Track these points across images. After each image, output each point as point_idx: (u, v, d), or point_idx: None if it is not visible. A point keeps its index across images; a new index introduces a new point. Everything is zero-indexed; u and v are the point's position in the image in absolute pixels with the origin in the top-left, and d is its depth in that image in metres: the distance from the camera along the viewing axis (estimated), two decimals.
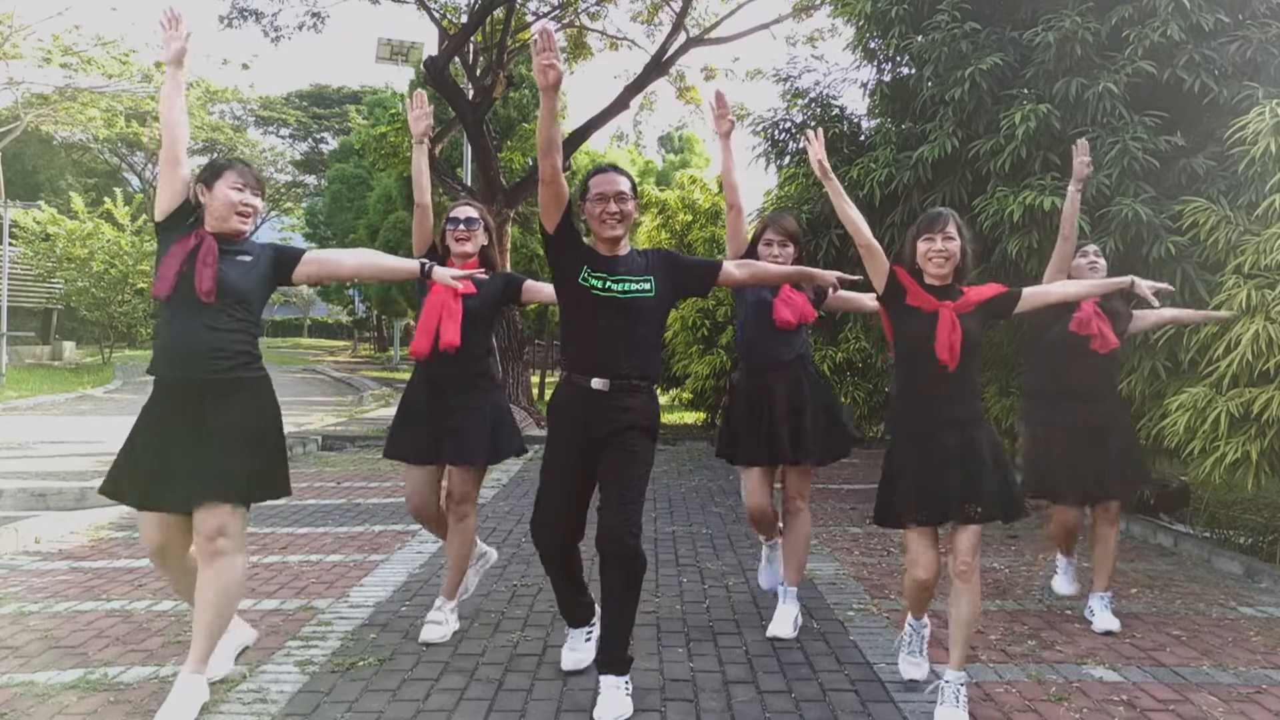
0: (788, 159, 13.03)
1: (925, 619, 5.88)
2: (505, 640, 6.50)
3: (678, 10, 21.55)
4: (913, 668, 5.85)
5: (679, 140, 57.51)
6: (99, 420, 21.03)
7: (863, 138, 12.65)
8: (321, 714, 5.24)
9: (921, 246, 5.71)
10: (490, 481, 13.07)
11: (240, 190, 5.56)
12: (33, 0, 49.50)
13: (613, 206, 5.60)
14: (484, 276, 6.44)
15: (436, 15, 21.43)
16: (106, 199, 42.24)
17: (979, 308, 5.64)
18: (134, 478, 5.39)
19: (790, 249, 7.09)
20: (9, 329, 34.24)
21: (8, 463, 14.00)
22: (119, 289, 39.53)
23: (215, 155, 61.72)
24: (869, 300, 6.83)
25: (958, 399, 5.50)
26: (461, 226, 6.61)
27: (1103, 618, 6.99)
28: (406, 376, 35.95)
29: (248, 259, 5.53)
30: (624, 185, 5.69)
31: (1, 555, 8.60)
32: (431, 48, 22.03)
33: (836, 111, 12.85)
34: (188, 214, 5.60)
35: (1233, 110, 9.04)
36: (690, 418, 22.46)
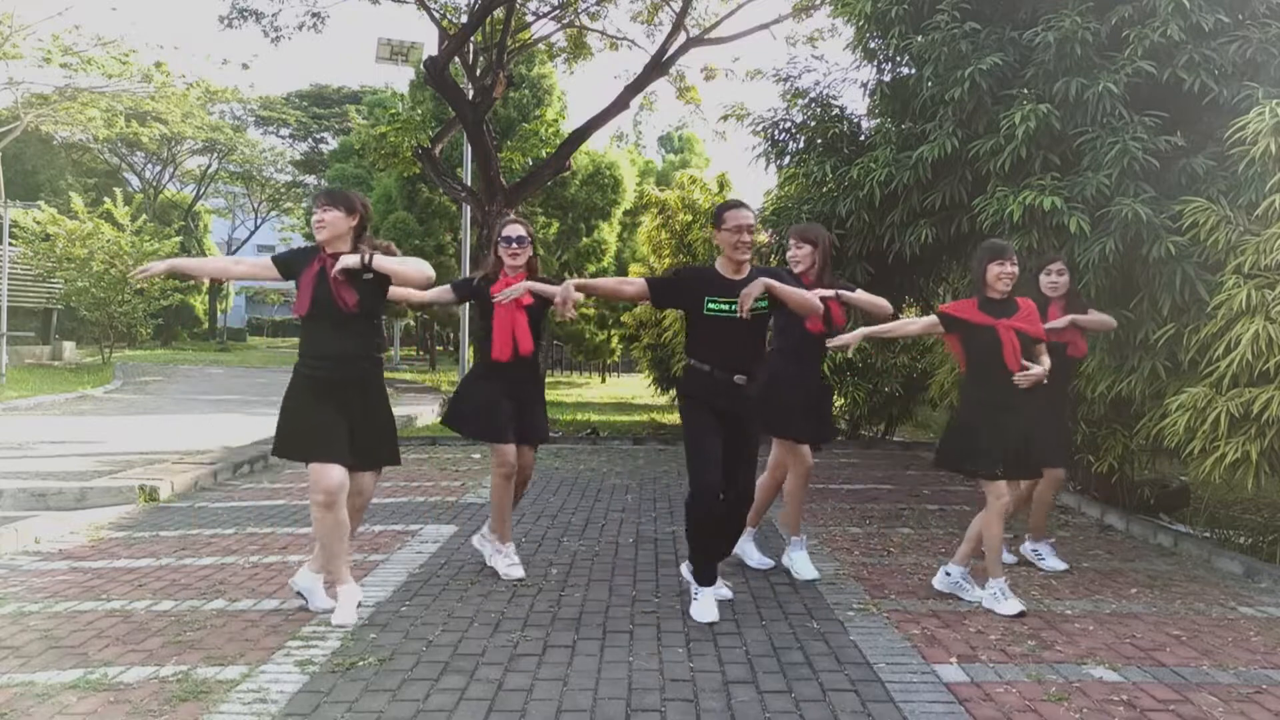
0: (787, 159, 13.04)
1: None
2: (505, 640, 6.49)
3: (678, 10, 21.53)
4: (1016, 602, 7.32)
5: (679, 140, 57.46)
6: (99, 420, 21.04)
7: (863, 138, 12.67)
8: (321, 714, 5.24)
9: (994, 269, 7.41)
10: (489, 481, 13.07)
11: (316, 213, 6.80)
12: (33, 0, 49.41)
13: (745, 237, 7.01)
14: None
15: (436, 15, 21.43)
16: (106, 199, 42.29)
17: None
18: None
19: (806, 249, 8.22)
20: (9, 329, 34.22)
21: (8, 463, 14.00)
22: (119, 289, 39.53)
23: (216, 154, 61.89)
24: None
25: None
26: (514, 245, 8.03)
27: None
28: (407, 376, 35.91)
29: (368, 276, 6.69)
30: (753, 219, 7.15)
31: (1, 555, 8.60)
32: (431, 48, 22.00)
33: (836, 111, 12.86)
34: (290, 267, 6.88)
35: (1232, 110, 9.05)
36: None
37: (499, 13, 20.67)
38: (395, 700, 5.45)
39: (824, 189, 12.08)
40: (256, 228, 73.35)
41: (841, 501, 11.91)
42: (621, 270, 34.15)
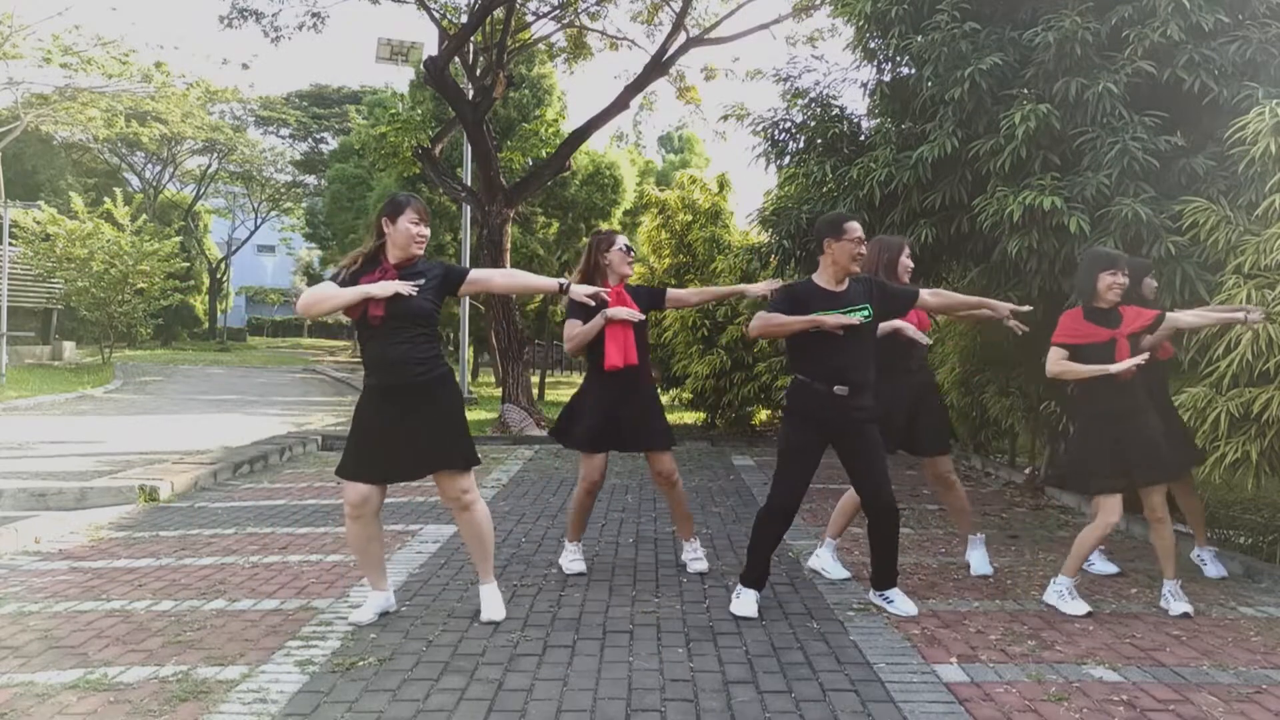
0: (788, 159, 13.04)
1: None
2: (505, 640, 6.50)
3: (678, 10, 21.56)
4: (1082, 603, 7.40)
5: (679, 140, 57.47)
6: (99, 420, 21.06)
7: (863, 137, 12.66)
8: (321, 714, 5.24)
9: (1105, 279, 7.26)
10: (490, 482, 13.09)
11: (417, 224, 6.85)
12: (33, 0, 49.41)
13: (863, 249, 7.06)
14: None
15: (436, 15, 21.45)
16: (106, 199, 42.35)
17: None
18: None
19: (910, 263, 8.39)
20: (9, 329, 34.23)
21: (8, 463, 14.01)
22: (119, 289, 39.59)
23: (216, 154, 61.83)
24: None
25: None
26: (632, 253, 8.25)
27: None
28: None
29: (422, 280, 6.81)
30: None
31: (1, 555, 8.61)
32: (431, 48, 22.05)
33: (836, 111, 12.85)
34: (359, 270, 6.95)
35: (1233, 110, 9.04)
36: (690, 418, 22.43)
37: (499, 13, 20.69)
38: (395, 700, 5.45)
39: (824, 189, 12.09)
40: (256, 228, 73.30)
41: None
42: None
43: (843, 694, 5.65)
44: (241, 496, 11.84)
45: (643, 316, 8.06)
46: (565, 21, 23.38)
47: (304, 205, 68.47)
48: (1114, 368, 7.05)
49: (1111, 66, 9.78)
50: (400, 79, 55.46)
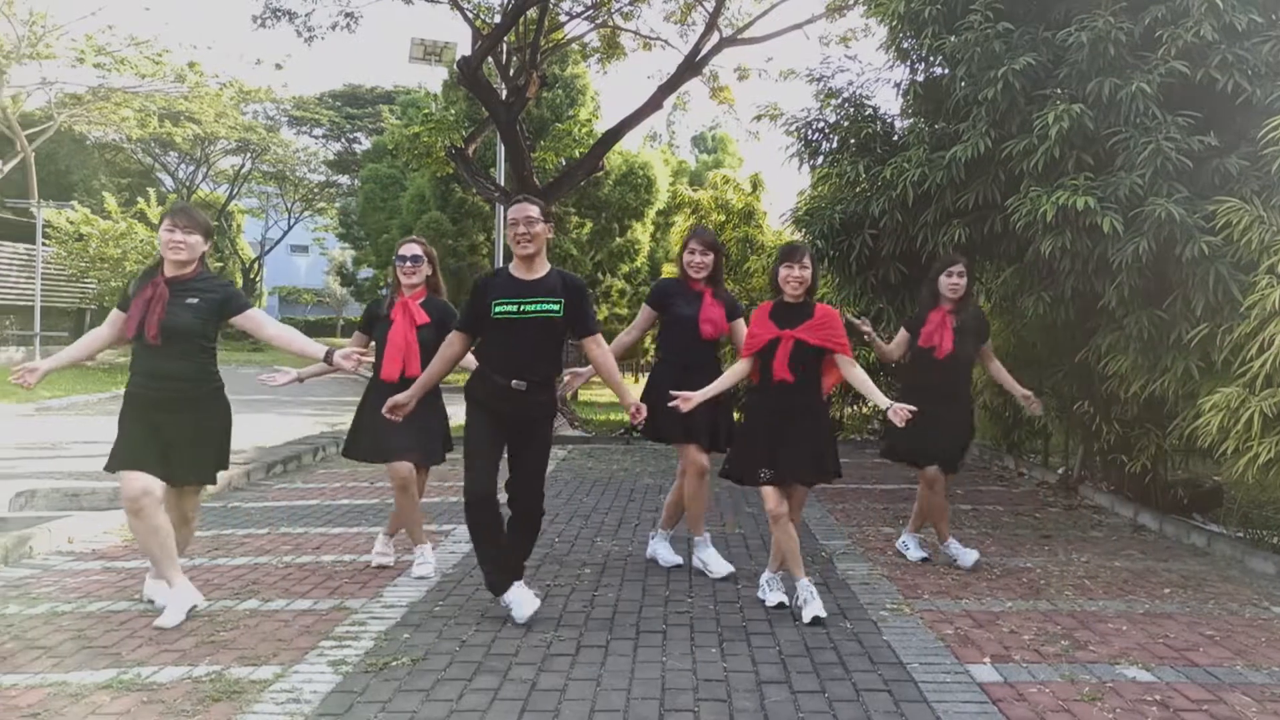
0: (821, 159, 13.03)
1: None
2: (539, 640, 6.53)
3: (711, 10, 21.51)
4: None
5: (712, 140, 57.39)
6: None
7: (896, 137, 12.64)
8: (355, 714, 5.28)
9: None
10: None
11: (170, 230, 6.82)
12: (66, 0, 49.66)
13: (521, 229, 6.77)
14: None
15: (470, 15, 21.44)
16: (140, 199, 42.41)
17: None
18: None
19: (710, 257, 8.56)
20: (42, 329, 34.40)
21: (41, 463, 14.10)
22: None
23: (249, 154, 62.00)
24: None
25: None
26: (408, 263, 8.24)
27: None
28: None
29: (195, 299, 6.85)
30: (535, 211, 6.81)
31: (35, 555, 8.65)
32: (465, 48, 22.03)
33: (870, 111, 12.83)
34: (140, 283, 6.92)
35: (1266, 110, 9.01)
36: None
37: (532, 12, 20.68)
38: (429, 700, 5.48)
39: (857, 189, 12.07)
40: (290, 228, 73.58)
41: (874, 502, 11.90)
42: (655, 270, 34.07)
43: (876, 694, 5.66)
44: (275, 496, 11.90)
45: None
46: (598, 21, 23.33)
47: (337, 205, 68.61)
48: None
49: (1145, 66, 9.75)
50: (434, 79, 55.36)
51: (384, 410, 7.02)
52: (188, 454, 6.94)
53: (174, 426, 6.87)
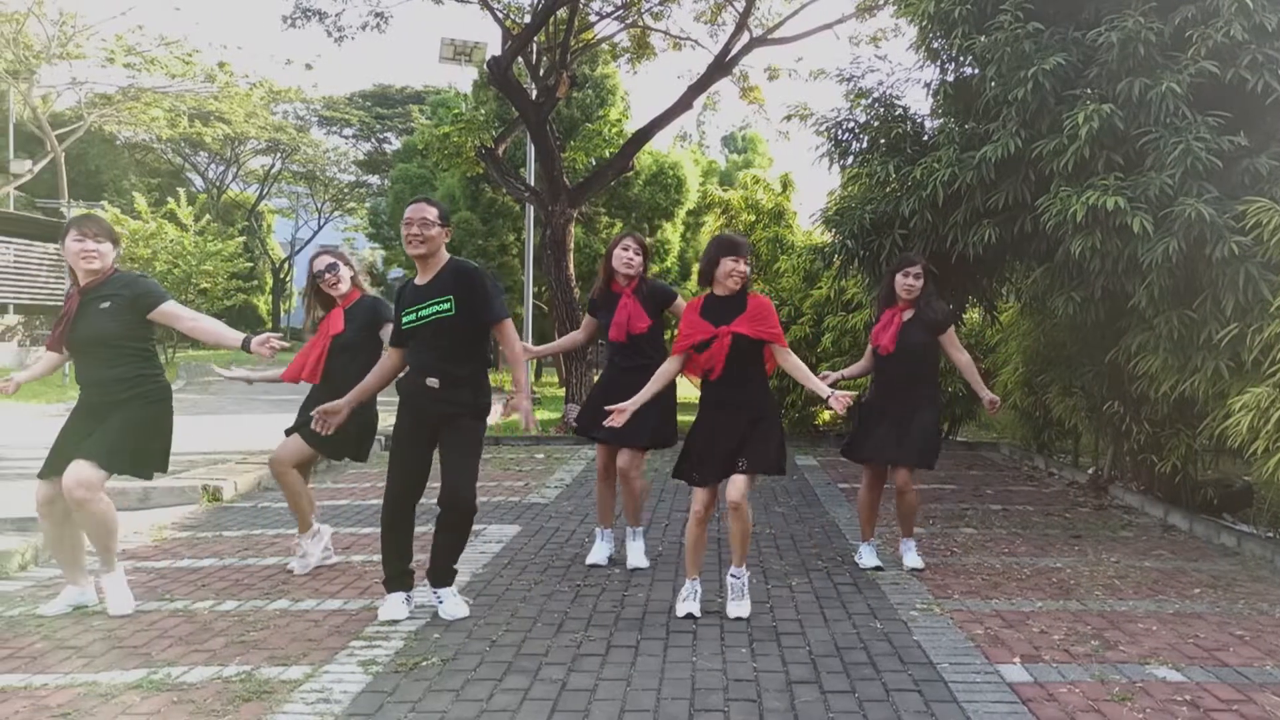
0: (851, 159, 13.01)
1: None
2: (569, 640, 6.56)
3: (741, 10, 21.53)
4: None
5: (742, 140, 57.23)
6: None
7: (926, 137, 12.62)
8: (385, 714, 5.31)
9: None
10: (553, 482, 13.13)
11: (79, 240, 6.90)
12: (96, 0, 49.93)
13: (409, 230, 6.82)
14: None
15: (500, 15, 21.51)
16: (170, 199, 42.49)
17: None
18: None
19: (640, 258, 8.61)
20: None
21: None
22: (182, 289, 39.69)
23: (279, 154, 62.16)
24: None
25: None
26: (326, 275, 8.23)
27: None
28: None
29: (106, 305, 6.95)
30: (427, 212, 6.83)
31: None
32: (495, 48, 22.11)
33: (900, 111, 12.80)
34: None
35: None
36: None
37: (562, 12, 20.73)
38: (459, 700, 5.51)
39: (887, 189, 12.05)
40: (320, 228, 73.72)
41: None
42: (686, 271, 34.11)
43: (906, 694, 5.68)
44: None
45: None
46: (628, 21, 23.38)
47: (367, 205, 68.66)
48: None
49: (1174, 66, 9.72)
50: (463, 79, 55.35)
51: (314, 420, 7.11)
52: (107, 437, 6.95)
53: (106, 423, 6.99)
